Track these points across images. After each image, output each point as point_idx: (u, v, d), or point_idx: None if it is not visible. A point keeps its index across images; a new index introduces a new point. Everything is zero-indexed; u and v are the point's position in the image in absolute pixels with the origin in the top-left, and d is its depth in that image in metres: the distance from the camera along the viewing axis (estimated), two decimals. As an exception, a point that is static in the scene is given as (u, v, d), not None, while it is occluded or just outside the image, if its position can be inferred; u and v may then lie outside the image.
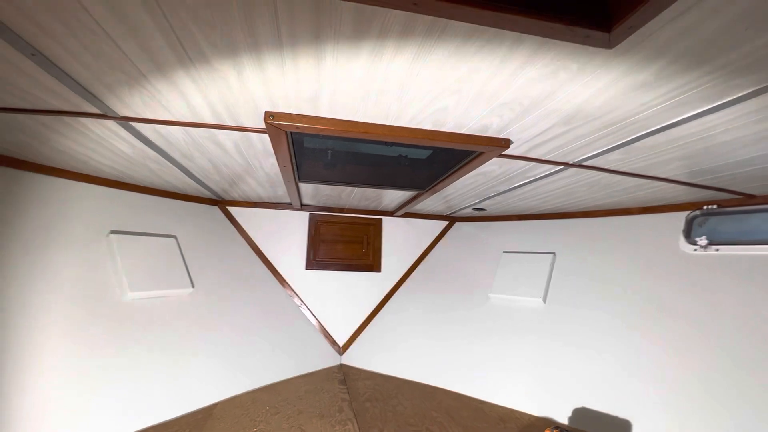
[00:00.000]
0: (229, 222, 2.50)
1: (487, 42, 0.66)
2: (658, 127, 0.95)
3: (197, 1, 0.59)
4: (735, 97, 0.77)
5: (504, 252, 2.41)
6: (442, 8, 0.57)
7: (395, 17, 0.61)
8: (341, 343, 2.56)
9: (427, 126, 1.05)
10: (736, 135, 0.95)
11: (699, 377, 1.42)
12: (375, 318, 2.65)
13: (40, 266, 1.47)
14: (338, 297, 2.63)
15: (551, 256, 2.17)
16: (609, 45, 0.64)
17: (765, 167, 1.16)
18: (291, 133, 1.13)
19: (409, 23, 0.62)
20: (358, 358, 2.48)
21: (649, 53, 0.66)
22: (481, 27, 0.62)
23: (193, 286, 1.98)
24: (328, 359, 2.44)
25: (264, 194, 2.25)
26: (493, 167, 1.41)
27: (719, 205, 1.60)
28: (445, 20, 0.61)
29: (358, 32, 0.65)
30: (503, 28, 0.61)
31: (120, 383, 1.52)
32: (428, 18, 0.61)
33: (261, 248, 2.54)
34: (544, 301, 2.05)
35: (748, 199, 1.52)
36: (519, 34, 0.63)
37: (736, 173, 1.24)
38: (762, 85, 0.72)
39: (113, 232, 1.74)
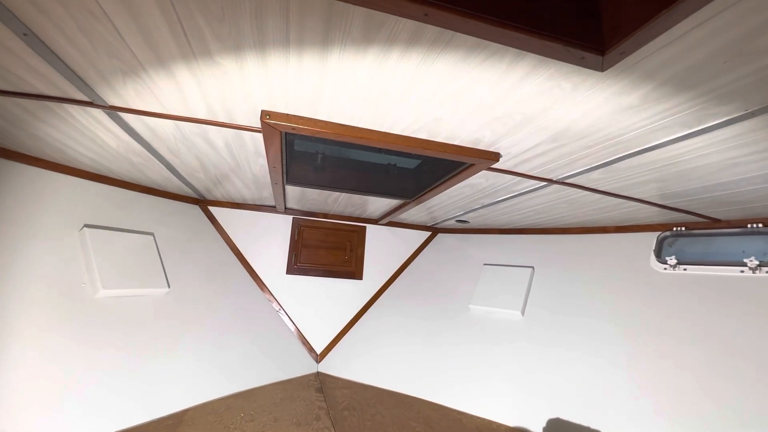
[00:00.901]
0: (209, 222, 2.43)
1: (489, 56, 0.69)
2: (639, 149, 1.01)
3: None
4: (711, 124, 0.83)
5: (484, 264, 2.45)
6: (451, 21, 0.59)
7: (404, 25, 0.62)
8: (319, 351, 2.51)
9: (422, 135, 1.08)
10: (709, 161, 1.02)
11: (669, 389, 1.48)
12: (354, 326, 2.63)
13: (7, 259, 1.38)
14: (318, 303, 2.60)
15: (530, 270, 2.22)
16: (601, 68, 0.68)
17: (731, 192, 1.24)
18: (285, 134, 1.13)
19: (417, 32, 0.64)
20: (336, 366, 2.44)
21: (637, 78, 0.70)
22: (485, 41, 0.65)
23: (168, 286, 1.91)
24: (304, 367, 2.39)
25: (248, 195, 2.21)
26: (480, 180, 1.45)
27: (687, 228, 1.70)
28: (451, 32, 0.63)
29: (367, 36, 0.66)
30: (506, 45, 0.64)
31: (86, 385, 1.43)
32: (436, 29, 0.63)
33: (241, 250, 2.49)
34: (523, 313, 2.09)
35: (713, 222, 1.62)
36: (520, 51, 0.66)
37: (704, 197, 1.32)
38: (735, 115, 0.78)
39: (87, 226, 1.67)
